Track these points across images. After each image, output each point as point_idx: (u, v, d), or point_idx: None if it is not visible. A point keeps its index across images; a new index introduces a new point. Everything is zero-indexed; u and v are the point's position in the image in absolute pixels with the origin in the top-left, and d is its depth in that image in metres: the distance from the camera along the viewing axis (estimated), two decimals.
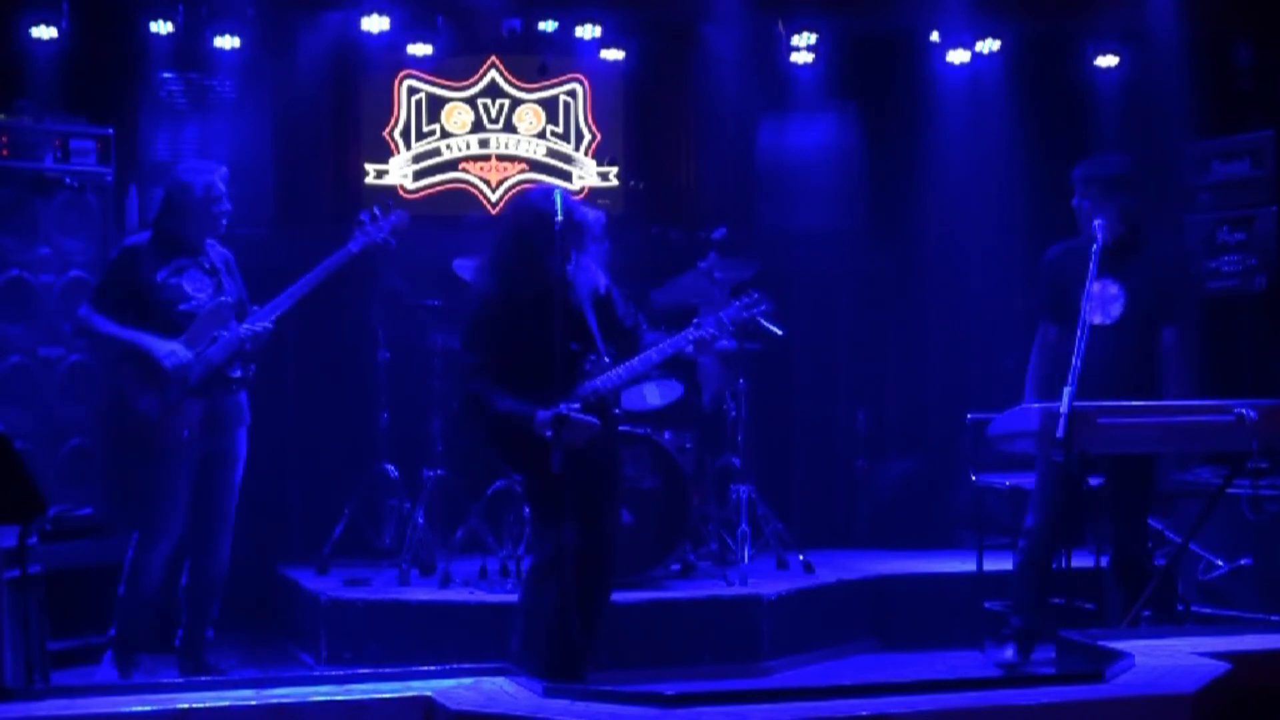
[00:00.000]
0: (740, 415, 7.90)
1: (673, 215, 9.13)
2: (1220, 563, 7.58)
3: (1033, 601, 6.83)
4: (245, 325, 6.45)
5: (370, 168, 8.98)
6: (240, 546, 6.96)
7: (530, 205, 5.84)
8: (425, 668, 4.44)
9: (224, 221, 6.57)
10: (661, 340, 5.99)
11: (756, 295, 6.13)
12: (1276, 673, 4.57)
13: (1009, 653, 6.87)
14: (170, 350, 6.32)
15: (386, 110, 9.01)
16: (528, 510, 6.68)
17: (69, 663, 6.79)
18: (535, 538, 5.95)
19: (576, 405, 5.65)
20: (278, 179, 8.65)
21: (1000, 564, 7.29)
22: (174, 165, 6.99)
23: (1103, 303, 6.62)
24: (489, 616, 6.79)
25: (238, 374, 6.48)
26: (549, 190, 5.94)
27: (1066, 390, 5.77)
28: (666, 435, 7.48)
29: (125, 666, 6.48)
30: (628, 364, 5.91)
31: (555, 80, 9.13)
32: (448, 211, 8.98)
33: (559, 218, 5.70)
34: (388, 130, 9.02)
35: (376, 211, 6.78)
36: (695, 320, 6.02)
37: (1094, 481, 6.76)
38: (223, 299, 6.49)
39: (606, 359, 5.88)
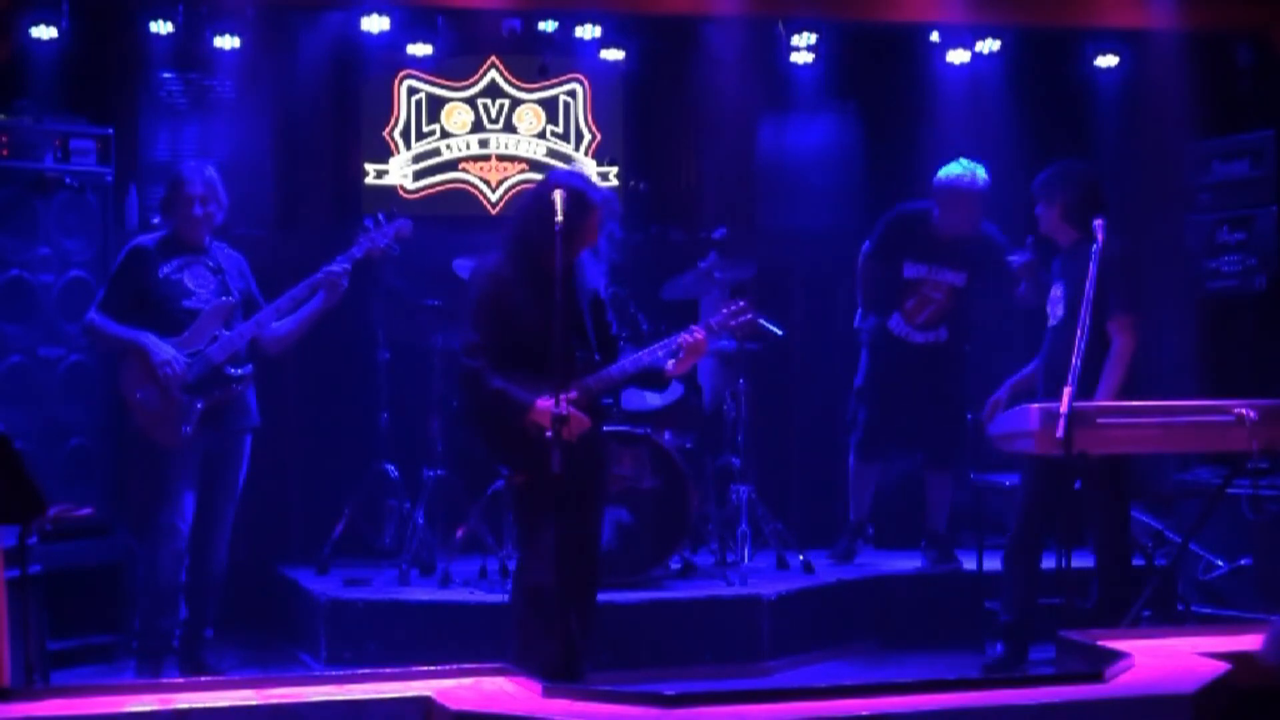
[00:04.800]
0: (740, 415, 7.90)
1: (673, 215, 9.12)
2: (1220, 563, 7.58)
3: (1020, 599, 6.84)
4: (251, 321, 6.53)
5: (370, 168, 8.98)
6: (240, 546, 6.97)
7: (566, 188, 5.74)
8: (425, 668, 4.45)
9: (214, 220, 6.62)
10: (647, 349, 5.99)
11: (743, 303, 6.12)
12: (1276, 673, 4.57)
13: (996, 650, 6.89)
14: (161, 348, 6.39)
15: (386, 110, 9.01)
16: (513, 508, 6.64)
17: (69, 663, 6.79)
18: (520, 534, 5.94)
19: (573, 395, 5.61)
20: (278, 179, 8.65)
21: (1000, 564, 7.28)
22: (176, 163, 7.05)
23: (1050, 304, 6.81)
24: (489, 616, 6.79)
25: (235, 372, 6.51)
26: (581, 175, 5.96)
27: (1066, 390, 5.78)
28: (666, 435, 7.48)
29: (154, 671, 6.48)
30: (619, 364, 5.89)
31: (555, 80, 9.12)
32: (448, 212, 8.98)
33: (596, 201, 5.77)
34: (388, 130, 9.02)
35: (381, 218, 6.80)
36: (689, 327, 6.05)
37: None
38: (226, 299, 6.53)
39: (597, 357, 5.87)
